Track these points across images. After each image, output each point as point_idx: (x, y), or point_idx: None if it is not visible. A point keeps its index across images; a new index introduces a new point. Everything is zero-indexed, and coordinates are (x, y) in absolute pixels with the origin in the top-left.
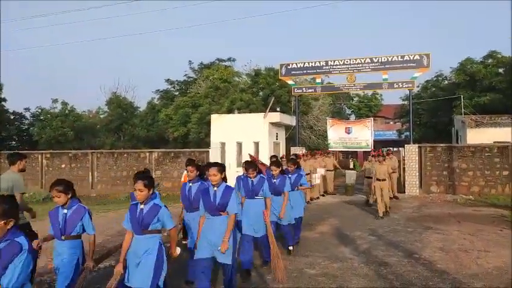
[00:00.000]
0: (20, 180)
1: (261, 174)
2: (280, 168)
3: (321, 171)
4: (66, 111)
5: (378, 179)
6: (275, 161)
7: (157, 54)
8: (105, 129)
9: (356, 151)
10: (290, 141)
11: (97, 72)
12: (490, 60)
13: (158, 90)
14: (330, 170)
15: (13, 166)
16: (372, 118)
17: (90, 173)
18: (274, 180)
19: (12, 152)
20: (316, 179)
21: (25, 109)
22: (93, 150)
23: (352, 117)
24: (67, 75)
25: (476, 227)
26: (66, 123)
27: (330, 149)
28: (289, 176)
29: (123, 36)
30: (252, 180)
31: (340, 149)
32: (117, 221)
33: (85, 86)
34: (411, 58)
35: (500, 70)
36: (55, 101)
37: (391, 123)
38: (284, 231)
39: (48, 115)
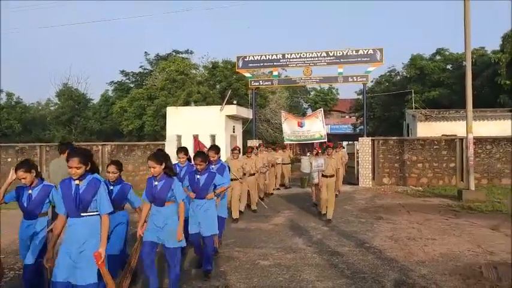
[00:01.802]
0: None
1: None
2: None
3: (277, 159)
4: (12, 103)
5: (324, 175)
6: (201, 152)
7: (111, 45)
8: (55, 122)
9: (313, 144)
10: (247, 134)
11: (46, 61)
12: (438, 57)
13: (112, 82)
14: (286, 164)
15: (63, 155)
16: (322, 109)
17: (38, 167)
18: (198, 177)
19: (60, 142)
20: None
21: None
22: (41, 144)
23: (309, 111)
24: (14, 64)
25: (424, 216)
26: (13, 115)
27: (285, 142)
28: (198, 175)
29: (75, 24)
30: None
31: (295, 142)
32: None
33: (33, 76)
34: (365, 52)
35: (448, 66)
36: None
37: (347, 117)
38: (206, 244)
39: None
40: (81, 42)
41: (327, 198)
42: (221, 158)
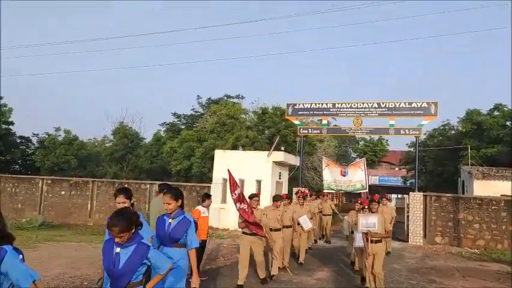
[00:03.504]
0: None
1: (185, 214)
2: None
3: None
4: (70, 138)
5: (371, 240)
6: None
7: (165, 87)
8: (109, 159)
9: (360, 193)
10: (293, 181)
11: (105, 101)
12: (496, 113)
13: (164, 123)
14: (326, 215)
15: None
16: (365, 159)
17: (89, 202)
18: (170, 221)
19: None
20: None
21: (33, 134)
22: (94, 179)
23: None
24: (76, 103)
25: (481, 283)
26: (70, 151)
27: (324, 191)
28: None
29: (133, 67)
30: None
31: (334, 191)
32: None
33: (92, 114)
34: (419, 105)
35: (508, 123)
36: (57, 129)
37: (397, 169)
38: None
39: (52, 142)
40: (137, 84)
41: (376, 272)
42: (247, 206)
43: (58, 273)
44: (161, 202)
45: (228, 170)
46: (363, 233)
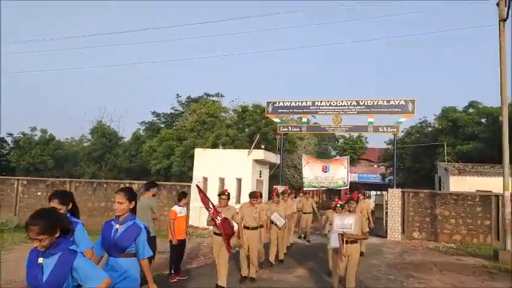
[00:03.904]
0: (154, 203)
1: (135, 220)
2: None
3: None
4: (46, 138)
5: (346, 241)
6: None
7: (144, 86)
8: (86, 158)
9: (340, 191)
10: (274, 179)
11: (82, 100)
12: (471, 110)
13: (144, 121)
14: (307, 213)
15: (147, 192)
16: (348, 157)
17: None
18: (117, 227)
19: (147, 181)
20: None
21: (8, 134)
22: (71, 179)
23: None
24: (52, 103)
25: (458, 277)
26: (46, 151)
27: (305, 188)
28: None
29: (112, 66)
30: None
31: (316, 188)
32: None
33: (70, 113)
34: (397, 103)
35: (483, 120)
36: (33, 128)
37: (375, 166)
38: None
39: (27, 142)
40: (116, 83)
41: (349, 272)
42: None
43: None
44: (147, 201)
45: (197, 186)
46: (338, 233)
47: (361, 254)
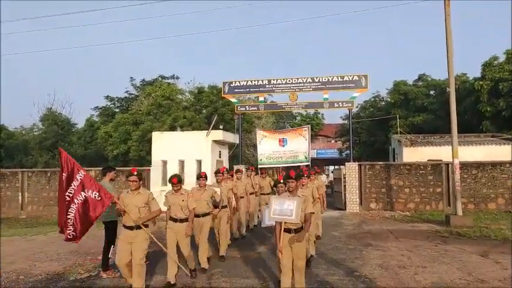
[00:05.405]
0: (111, 188)
1: None
2: None
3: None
4: None
5: (286, 229)
6: None
7: (96, 70)
8: (38, 147)
9: (299, 166)
10: (233, 159)
11: (30, 86)
12: (420, 83)
13: (97, 107)
14: (266, 194)
15: (104, 177)
16: (309, 126)
17: (20, 194)
18: None
19: (104, 166)
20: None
21: None
22: (23, 169)
23: None
24: None
25: (413, 243)
26: None
27: (260, 166)
28: None
29: (60, 50)
30: None
31: (273, 166)
32: (46, 244)
33: (18, 101)
34: (350, 79)
35: (431, 92)
36: None
37: (333, 141)
38: None
39: None
40: (66, 67)
41: (296, 266)
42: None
43: None
44: (106, 185)
45: (60, 150)
46: (276, 222)
47: (317, 237)
